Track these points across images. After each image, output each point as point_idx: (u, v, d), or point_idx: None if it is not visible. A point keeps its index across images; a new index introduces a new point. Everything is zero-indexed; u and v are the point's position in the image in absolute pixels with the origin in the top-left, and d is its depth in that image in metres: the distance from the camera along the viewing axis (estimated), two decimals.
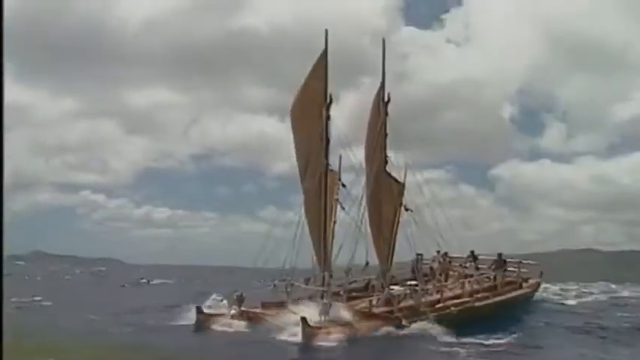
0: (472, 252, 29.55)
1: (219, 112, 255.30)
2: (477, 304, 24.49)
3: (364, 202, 25.95)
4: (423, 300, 23.42)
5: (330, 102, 25.51)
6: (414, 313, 22.16)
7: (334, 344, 18.32)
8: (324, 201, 24.58)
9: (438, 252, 28.92)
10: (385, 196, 26.52)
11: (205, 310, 23.05)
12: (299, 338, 18.75)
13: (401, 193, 26.47)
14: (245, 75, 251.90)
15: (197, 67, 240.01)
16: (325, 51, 25.90)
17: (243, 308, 23.05)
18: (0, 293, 3.91)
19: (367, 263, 25.38)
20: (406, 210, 26.33)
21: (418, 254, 28.52)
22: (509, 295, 27.24)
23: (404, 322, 21.07)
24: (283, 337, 19.18)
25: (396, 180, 26.92)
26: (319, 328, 19.51)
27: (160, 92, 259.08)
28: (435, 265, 29.05)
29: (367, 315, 21.60)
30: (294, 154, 25.79)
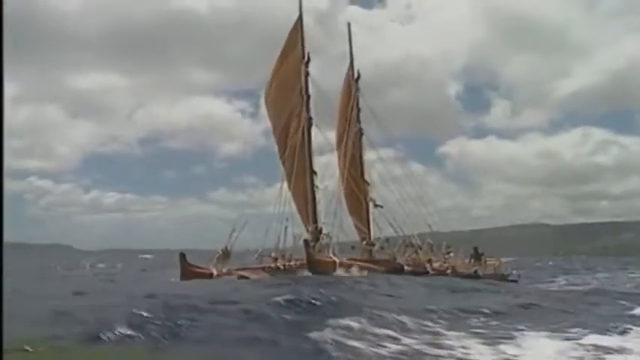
0: (475, 249, 31.12)
1: (165, 94, 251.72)
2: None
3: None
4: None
5: (308, 60, 26.49)
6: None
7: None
8: (308, 153, 25.58)
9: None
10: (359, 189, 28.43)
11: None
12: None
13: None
14: (188, 56, 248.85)
15: (139, 49, 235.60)
16: (300, 16, 26.95)
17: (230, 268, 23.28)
18: (0, 293, 3.93)
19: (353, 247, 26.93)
20: (375, 206, 28.15)
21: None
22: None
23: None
24: None
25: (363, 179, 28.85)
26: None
27: (103, 75, 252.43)
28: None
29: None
30: (271, 129, 26.78)
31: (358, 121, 29.11)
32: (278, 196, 25.08)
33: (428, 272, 24.86)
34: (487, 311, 10.78)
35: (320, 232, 24.42)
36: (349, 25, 30.05)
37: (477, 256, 30.48)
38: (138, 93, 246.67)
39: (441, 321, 9.44)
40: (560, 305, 12.70)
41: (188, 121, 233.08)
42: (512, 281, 32.12)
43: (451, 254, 28.81)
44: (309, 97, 26.20)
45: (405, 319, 9.09)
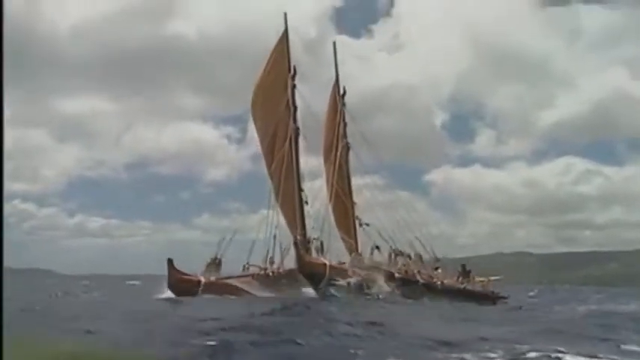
0: (463, 266, 31.18)
1: (152, 119, 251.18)
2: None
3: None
4: None
5: (295, 73, 26.85)
6: None
7: None
8: (296, 162, 25.65)
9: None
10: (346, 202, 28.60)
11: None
12: None
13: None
14: (177, 82, 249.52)
15: (127, 74, 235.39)
16: (286, 30, 27.43)
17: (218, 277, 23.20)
18: (0, 293, 3.95)
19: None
20: (360, 225, 28.22)
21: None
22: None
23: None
24: None
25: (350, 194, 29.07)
26: None
27: (90, 100, 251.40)
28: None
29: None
30: (259, 144, 26.90)
31: (345, 135, 29.26)
32: (267, 209, 25.05)
33: (418, 281, 24.77)
34: None
35: (309, 240, 24.28)
36: (334, 43, 30.61)
37: (465, 273, 30.50)
38: (126, 118, 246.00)
39: None
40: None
41: (176, 147, 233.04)
42: (502, 297, 32.26)
43: (439, 270, 28.81)
44: (295, 108, 26.45)
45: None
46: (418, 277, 25.45)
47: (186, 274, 22.48)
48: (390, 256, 26.60)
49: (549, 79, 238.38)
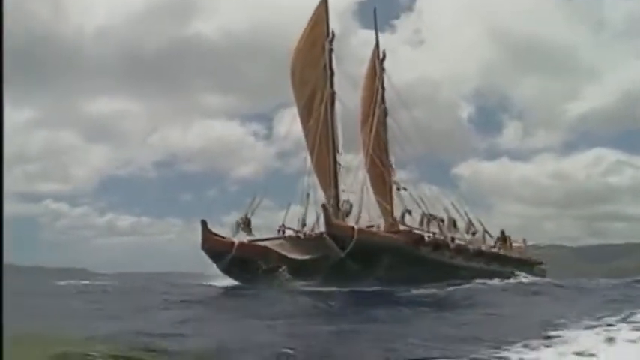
0: (502, 232, 31.48)
1: (179, 118, 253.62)
2: None
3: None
4: None
5: (333, 37, 26.90)
6: None
7: None
8: (332, 125, 25.78)
9: None
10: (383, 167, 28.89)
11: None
12: None
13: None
14: (201, 81, 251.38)
15: (153, 74, 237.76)
16: None
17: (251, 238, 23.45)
18: (0, 293, 3.88)
19: None
20: (398, 190, 28.61)
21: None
22: None
23: None
24: None
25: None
26: None
27: (118, 101, 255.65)
28: None
29: None
30: (295, 101, 26.98)
31: (383, 101, 29.33)
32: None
33: (448, 245, 24.76)
34: None
35: (339, 199, 24.45)
36: (375, 10, 30.77)
37: (504, 237, 30.56)
38: (152, 117, 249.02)
39: None
40: None
41: (202, 145, 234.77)
42: (539, 263, 32.31)
43: (476, 235, 28.75)
44: (332, 72, 26.49)
45: None
46: (449, 241, 25.45)
47: (219, 236, 22.72)
48: (422, 220, 26.69)
49: (574, 70, 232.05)
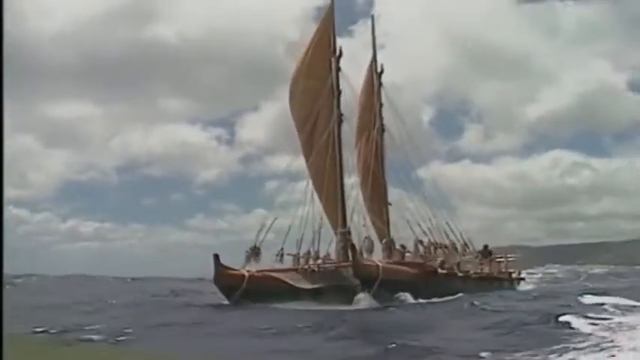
0: (485, 246, 30.00)
1: (140, 123, 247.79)
2: None
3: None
4: None
5: (340, 54, 25.27)
6: None
7: None
8: (339, 152, 24.35)
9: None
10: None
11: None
12: None
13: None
14: (160, 85, 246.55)
15: (111, 79, 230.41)
16: (331, 8, 25.89)
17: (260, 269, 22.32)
18: (0, 293, 3.87)
19: None
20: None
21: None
22: None
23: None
24: None
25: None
26: None
27: (77, 105, 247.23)
28: None
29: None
30: (296, 128, 25.36)
31: (381, 116, 28.04)
32: (304, 197, 23.94)
33: (456, 275, 23.98)
34: None
35: (349, 233, 23.27)
36: (372, 17, 29.40)
37: (486, 253, 29.48)
38: (113, 122, 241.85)
39: None
40: None
41: (164, 149, 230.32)
42: (521, 279, 31.61)
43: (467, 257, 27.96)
44: (340, 92, 24.98)
45: None
46: (457, 271, 24.64)
47: (232, 269, 21.56)
48: (415, 246, 25.58)
49: (531, 74, 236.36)
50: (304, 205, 23.85)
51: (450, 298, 20.24)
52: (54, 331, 11.89)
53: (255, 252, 22.74)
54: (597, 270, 72.97)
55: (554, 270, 72.83)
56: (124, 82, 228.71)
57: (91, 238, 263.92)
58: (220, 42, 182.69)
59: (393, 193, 27.92)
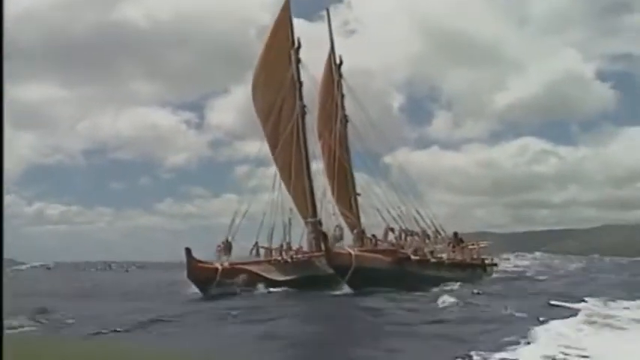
0: (455, 233, 30.10)
1: (108, 105, 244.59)
2: None
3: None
4: None
5: (299, 46, 25.25)
6: None
7: None
8: (304, 144, 24.25)
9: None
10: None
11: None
12: None
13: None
14: (130, 68, 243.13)
15: (79, 61, 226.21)
16: (287, 1, 25.80)
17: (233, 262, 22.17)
18: (0, 293, 3.83)
19: None
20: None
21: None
22: None
23: None
24: None
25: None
26: None
27: (44, 87, 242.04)
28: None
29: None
30: (260, 122, 25.17)
31: (343, 107, 27.91)
32: (272, 190, 23.80)
33: (429, 261, 24.03)
34: None
35: (320, 224, 23.15)
36: (328, 10, 29.29)
37: (457, 241, 29.51)
38: (81, 104, 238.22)
39: None
40: None
41: (133, 133, 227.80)
42: (494, 264, 31.76)
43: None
44: (301, 84, 24.92)
45: None
46: (430, 257, 24.70)
47: (203, 262, 21.23)
48: (386, 233, 25.68)
49: (500, 62, 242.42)
50: (273, 191, 23.94)
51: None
52: None
53: (227, 246, 22.59)
54: None
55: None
56: (93, 64, 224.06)
57: (57, 222, 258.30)
58: (190, 25, 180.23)
59: (361, 181, 27.81)
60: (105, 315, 13.53)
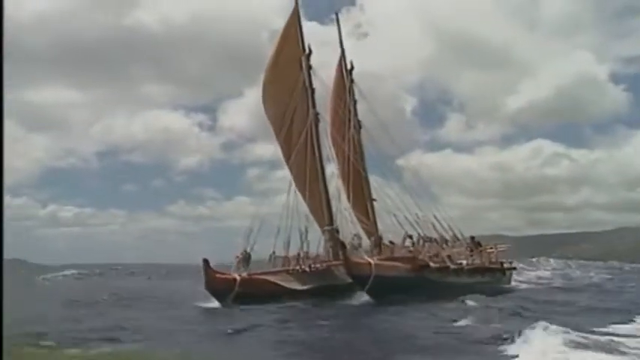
0: (472, 237, 29.55)
1: (121, 108, 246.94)
2: None
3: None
4: None
5: (310, 53, 24.94)
6: None
7: None
8: (318, 151, 23.92)
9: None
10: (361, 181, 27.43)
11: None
12: None
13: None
14: (143, 71, 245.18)
15: (94, 64, 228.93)
16: (296, 6, 25.50)
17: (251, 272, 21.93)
18: (0, 293, 3.86)
19: None
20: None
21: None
22: None
23: None
24: None
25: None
26: None
27: (58, 90, 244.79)
28: None
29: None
30: (274, 135, 24.80)
31: (356, 113, 27.74)
32: (287, 197, 23.53)
33: (448, 267, 23.51)
34: None
35: (337, 232, 22.77)
36: (337, 15, 29.05)
37: (475, 245, 28.91)
38: (94, 107, 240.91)
39: None
40: None
41: (146, 135, 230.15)
42: (513, 268, 31.18)
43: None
44: (313, 90, 24.58)
45: None
46: (449, 263, 24.18)
47: (221, 273, 21.01)
48: (404, 240, 25.18)
49: (512, 65, 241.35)
50: (289, 195, 23.74)
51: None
52: None
53: (246, 257, 22.37)
54: None
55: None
56: (107, 68, 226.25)
57: (70, 224, 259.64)
58: (204, 28, 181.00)
59: (374, 184, 27.62)
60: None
